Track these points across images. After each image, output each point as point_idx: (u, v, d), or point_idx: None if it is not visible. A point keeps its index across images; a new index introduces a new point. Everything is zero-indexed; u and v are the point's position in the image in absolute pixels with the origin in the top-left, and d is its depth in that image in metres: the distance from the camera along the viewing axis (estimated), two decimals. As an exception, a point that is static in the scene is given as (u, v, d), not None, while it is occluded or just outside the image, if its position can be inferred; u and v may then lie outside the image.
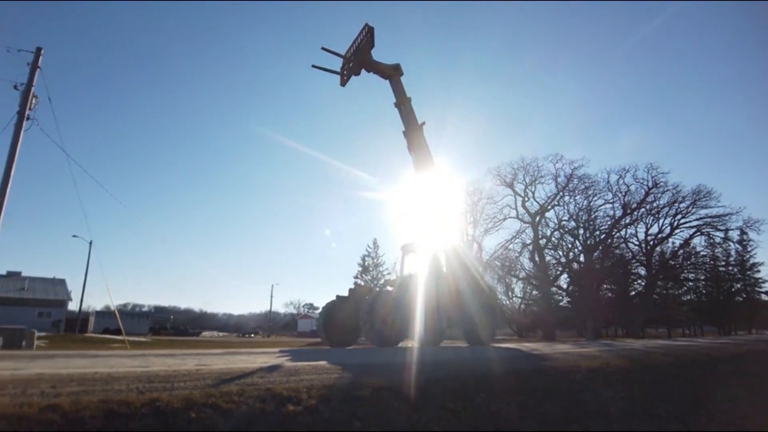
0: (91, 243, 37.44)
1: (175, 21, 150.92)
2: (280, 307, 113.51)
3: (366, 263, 62.53)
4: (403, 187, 36.87)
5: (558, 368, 7.05)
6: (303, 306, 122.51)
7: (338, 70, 16.12)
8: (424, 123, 15.24)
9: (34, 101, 15.17)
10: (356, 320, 12.23)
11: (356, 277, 62.73)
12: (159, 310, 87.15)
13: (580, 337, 41.47)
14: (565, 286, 49.26)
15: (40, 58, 15.48)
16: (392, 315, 11.25)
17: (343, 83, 16.14)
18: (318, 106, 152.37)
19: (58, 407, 2.98)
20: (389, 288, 12.74)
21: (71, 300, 44.14)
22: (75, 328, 36.80)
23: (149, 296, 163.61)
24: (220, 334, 77.14)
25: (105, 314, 46.79)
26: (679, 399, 6.77)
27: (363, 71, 15.97)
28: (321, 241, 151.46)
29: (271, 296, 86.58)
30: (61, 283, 45.35)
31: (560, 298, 50.40)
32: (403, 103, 15.64)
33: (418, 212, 17.97)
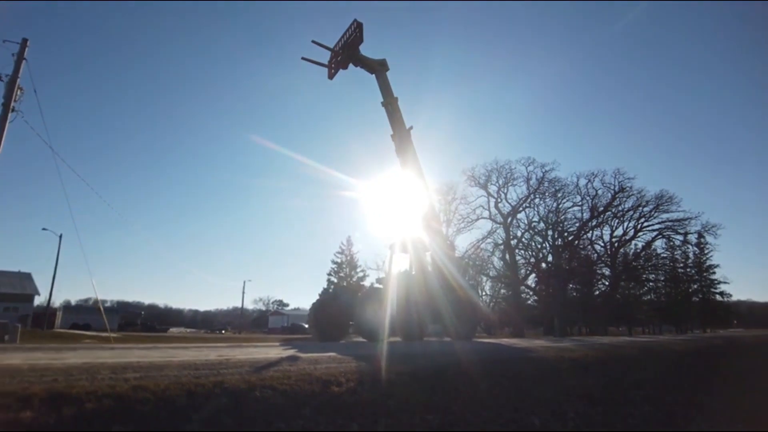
0: (61, 236, 36.42)
1: (160, 19, 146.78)
2: (248, 304, 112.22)
3: (340, 261, 62.76)
4: (377, 185, 37.53)
5: (546, 359, 7.79)
6: (272, 303, 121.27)
7: (326, 63, 16.48)
8: (411, 127, 15.82)
9: (19, 93, 14.94)
10: (346, 316, 12.73)
11: (330, 275, 62.97)
12: (123, 306, 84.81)
13: (548, 334, 43.13)
14: (533, 286, 51.16)
15: (26, 49, 15.24)
16: (383, 311, 11.79)
17: (331, 76, 16.54)
18: (292, 105, 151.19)
19: (146, 388, 3.39)
20: (379, 286, 13.27)
21: (39, 294, 42.82)
22: (43, 324, 35.67)
23: (113, 291, 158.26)
24: (188, 330, 75.67)
25: (72, 309, 45.42)
26: (651, 386, 7.60)
27: (350, 66, 16.41)
28: (291, 239, 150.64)
29: (243, 293, 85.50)
30: (28, 277, 43.80)
31: (528, 297, 52.25)
32: (390, 103, 16.11)
33: (398, 211, 18.58)
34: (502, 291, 51.77)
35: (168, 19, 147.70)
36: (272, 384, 4.02)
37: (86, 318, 42.28)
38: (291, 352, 7.28)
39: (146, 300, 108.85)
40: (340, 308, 12.73)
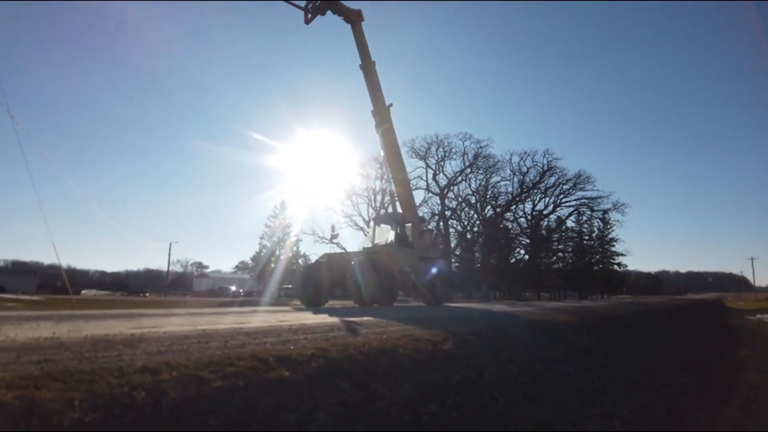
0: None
1: None
2: (164, 265, 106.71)
3: (273, 224, 61.95)
4: (308, 150, 37.40)
5: (551, 321, 9.14)
6: (191, 264, 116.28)
7: (302, 6, 15.96)
8: (391, 105, 16.14)
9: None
10: (332, 282, 13.31)
11: (262, 238, 62.08)
12: (19, 266, 76.89)
13: (468, 299, 46.69)
14: (459, 253, 54.64)
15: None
16: (373, 278, 12.55)
17: (307, 21, 15.99)
18: (227, 65, 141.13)
19: (327, 350, 3.89)
20: (364, 255, 13.91)
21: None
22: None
23: (6, 249, 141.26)
24: (102, 292, 70.74)
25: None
26: (611, 344, 9.26)
27: (327, 15, 15.94)
28: (214, 201, 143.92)
29: (169, 254, 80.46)
30: None
31: (456, 264, 55.85)
32: (368, 67, 16.07)
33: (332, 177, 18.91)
34: (435, 259, 54.67)
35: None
36: (399, 344, 4.66)
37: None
38: (329, 317, 7.75)
39: (45, 260, 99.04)
40: (326, 275, 13.22)
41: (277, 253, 59.99)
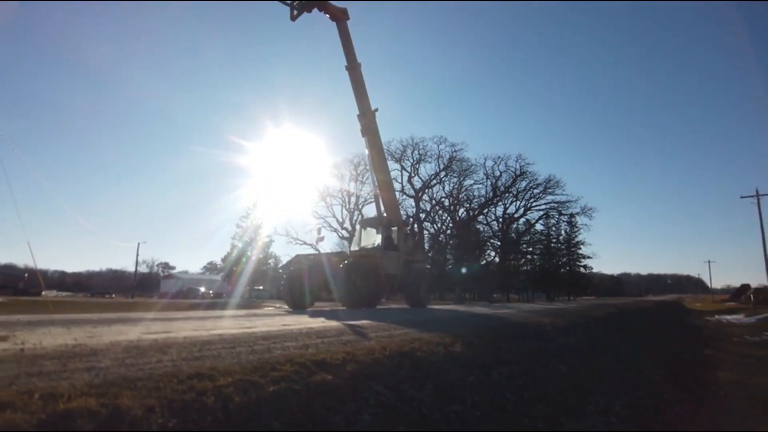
0: None
1: None
2: (129, 266, 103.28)
3: (245, 225, 61.09)
4: (281, 151, 36.93)
5: (535, 322, 9.55)
6: (158, 265, 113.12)
7: (288, 4, 15.82)
8: (377, 109, 16.32)
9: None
10: (317, 285, 13.37)
11: (234, 238, 61.11)
12: (-30, 267, 72.98)
13: (446, 300, 47.44)
14: (432, 255, 55.39)
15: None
16: (360, 282, 12.74)
17: (293, 18, 15.81)
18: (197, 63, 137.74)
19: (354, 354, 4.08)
20: (351, 258, 14.05)
21: None
22: None
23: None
24: (63, 293, 67.96)
25: None
26: (594, 344, 9.79)
27: (313, 12, 15.77)
28: (183, 202, 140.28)
29: (137, 255, 77.30)
30: None
31: (429, 266, 56.54)
32: (354, 68, 16.06)
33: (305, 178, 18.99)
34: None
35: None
36: (415, 347, 4.90)
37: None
38: (328, 321, 7.88)
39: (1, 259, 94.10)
40: (311, 277, 13.27)
41: (249, 253, 59.20)
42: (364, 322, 7.64)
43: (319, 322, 7.33)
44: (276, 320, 7.76)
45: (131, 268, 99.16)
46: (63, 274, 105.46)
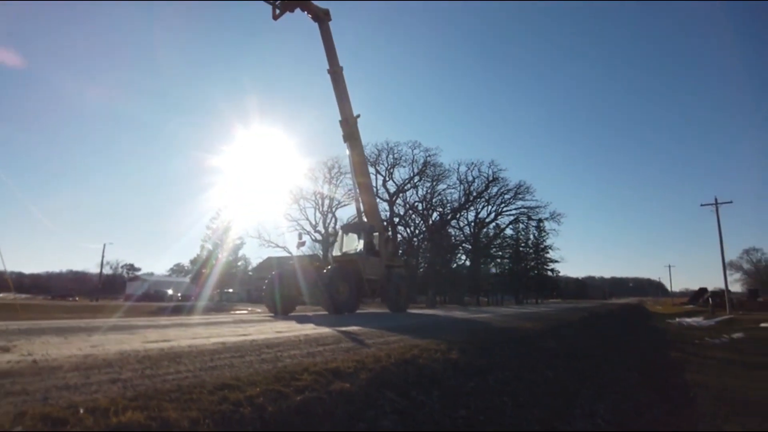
0: None
1: None
2: (92, 267, 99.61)
3: (215, 226, 59.98)
4: (253, 152, 36.44)
5: (523, 328, 9.89)
6: (122, 267, 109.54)
7: (271, 2, 15.61)
8: (359, 115, 16.42)
9: None
10: (298, 290, 13.30)
11: (204, 241, 59.86)
12: None
13: (418, 303, 47.90)
14: (404, 259, 55.90)
15: None
16: (343, 287, 12.83)
17: (275, 17, 15.65)
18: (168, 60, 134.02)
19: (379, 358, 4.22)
20: (334, 263, 14.11)
21: None
22: None
23: None
24: (22, 296, 64.68)
25: None
26: (573, 348, 10.23)
27: (296, 12, 15.70)
28: (148, 202, 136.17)
29: (103, 256, 74.04)
30: None
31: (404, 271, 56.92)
32: (336, 72, 16.07)
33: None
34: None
35: None
36: (416, 354, 5.08)
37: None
38: (319, 327, 7.96)
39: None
40: (293, 282, 13.21)
41: (218, 255, 58.09)
42: (355, 328, 7.77)
43: (311, 329, 7.42)
44: (267, 327, 7.80)
45: (93, 270, 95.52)
46: (20, 275, 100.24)
